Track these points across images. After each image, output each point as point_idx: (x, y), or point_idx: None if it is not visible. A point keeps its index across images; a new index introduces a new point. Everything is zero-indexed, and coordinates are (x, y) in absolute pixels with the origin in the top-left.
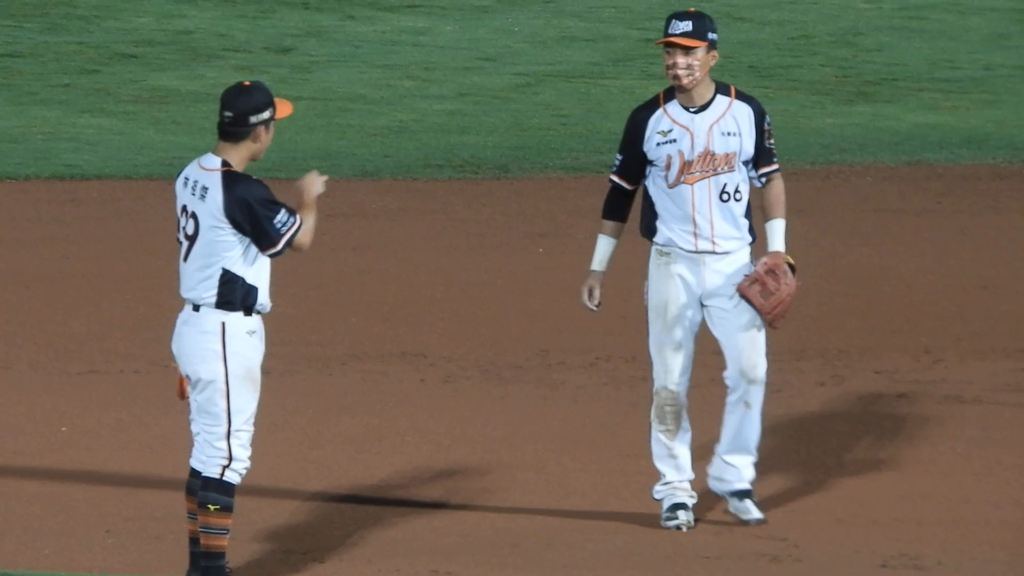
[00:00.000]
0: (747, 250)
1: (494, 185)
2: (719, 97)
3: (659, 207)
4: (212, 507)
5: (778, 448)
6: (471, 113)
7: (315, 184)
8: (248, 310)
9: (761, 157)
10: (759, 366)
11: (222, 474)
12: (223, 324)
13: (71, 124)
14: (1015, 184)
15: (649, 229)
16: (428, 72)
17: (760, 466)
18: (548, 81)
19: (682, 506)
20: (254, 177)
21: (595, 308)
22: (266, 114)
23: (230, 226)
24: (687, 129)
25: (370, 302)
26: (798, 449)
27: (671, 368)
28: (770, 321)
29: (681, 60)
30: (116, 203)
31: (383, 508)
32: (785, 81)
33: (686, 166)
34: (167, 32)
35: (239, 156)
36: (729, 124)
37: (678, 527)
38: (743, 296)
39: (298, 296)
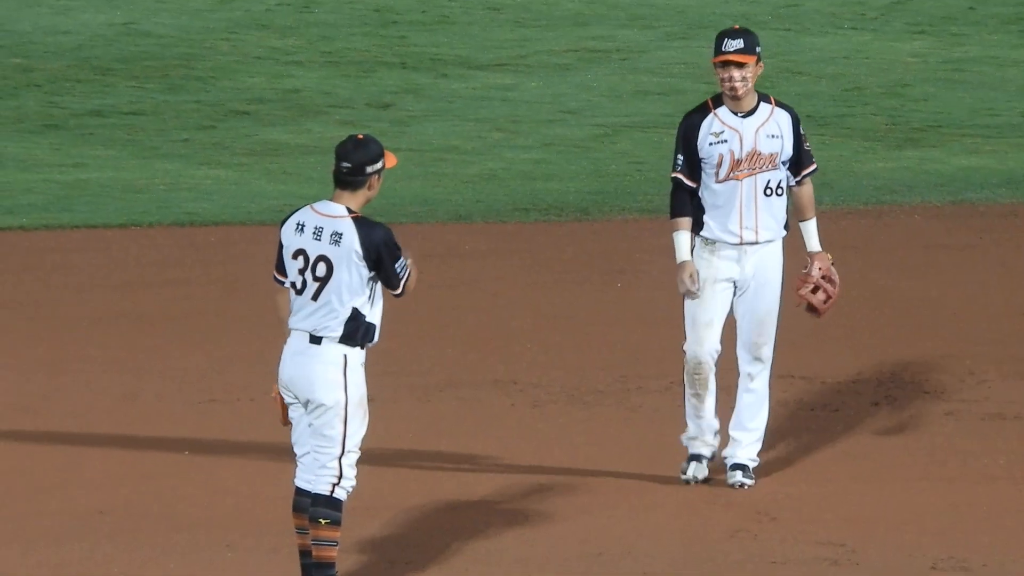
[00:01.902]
0: (781, 241)
1: (575, 227)
2: (762, 104)
3: (708, 204)
4: (323, 521)
5: (836, 461)
6: (554, 161)
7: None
8: (363, 345)
9: (803, 158)
10: (765, 347)
11: (332, 491)
12: (345, 356)
13: (190, 175)
14: None
15: (697, 223)
16: (515, 124)
17: (819, 477)
18: (624, 132)
19: (696, 458)
20: (380, 224)
21: (698, 292)
22: (379, 164)
23: (366, 267)
24: (736, 131)
25: (464, 334)
26: (854, 462)
27: (702, 340)
28: (813, 311)
29: (736, 74)
30: (232, 247)
31: (478, 521)
32: (840, 129)
33: (735, 164)
34: (277, 91)
35: (357, 202)
36: (773, 128)
37: (686, 481)
38: (805, 300)
39: (399, 331)
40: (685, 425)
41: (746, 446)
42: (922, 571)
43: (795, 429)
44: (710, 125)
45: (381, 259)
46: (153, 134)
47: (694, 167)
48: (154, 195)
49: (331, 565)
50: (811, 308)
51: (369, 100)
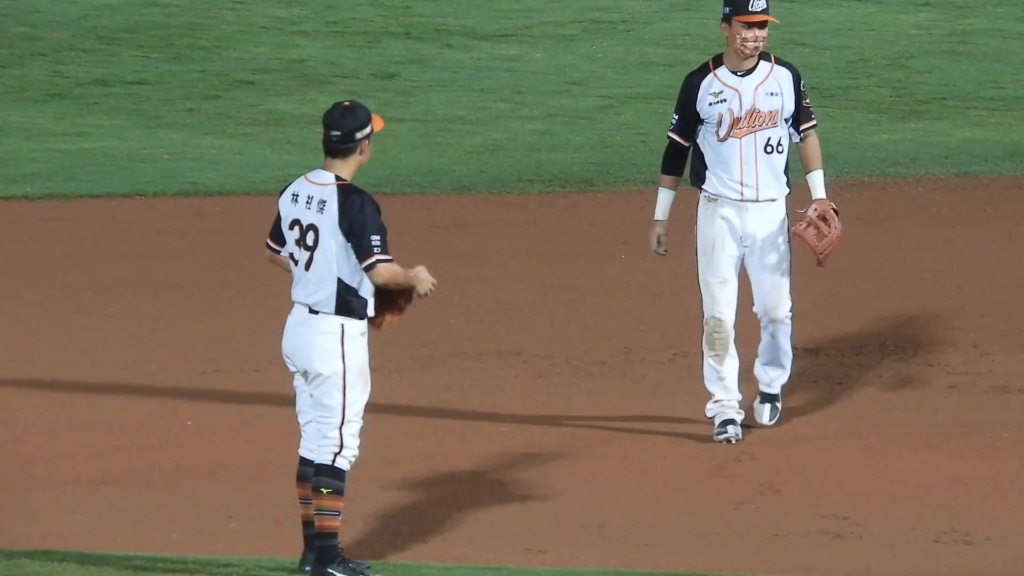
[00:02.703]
0: (784, 201)
1: (580, 198)
2: (762, 63)
3: (709, 160)
4: (325, 491)
5: (839, 434)
6: (559, 132)
7: (422, 281)
8: (362, 316)
9: (801, 115)
10: (781, 307)
11: (334, 461)
12: (342, 326)
13: (195, 145)
14: None
15: (699, 177)
16: (520, 95)
17: (822, 449)
18: (629, 103)
19: (731, 422)
20: (366, 194)
21: (664, 253)
22: (368, 129)
23: (343, 235)
24: (736, 90)
25: (469, 305)
26: (857, 435)
27: (717, 299)
28: (820, 260)
29: (760, 33)
30: (236, 217)
31: (481, 492)
32: (844, 101)
33: (735, 122)
34: (282, 60)
35: (348, 169)
36: (772, 85)
37: (727, 440)
38: (798, 237)
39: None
40: (708, 394)
41: (777, 378)
42: (925, 544)
43: (798, 401)
44: (709, 85)
45: (353, 225)
46: (158, 104)
47: (688, 127)
48: (159, 165)
49: (334, 535)
50: (813, 250)
51: (374, 70)
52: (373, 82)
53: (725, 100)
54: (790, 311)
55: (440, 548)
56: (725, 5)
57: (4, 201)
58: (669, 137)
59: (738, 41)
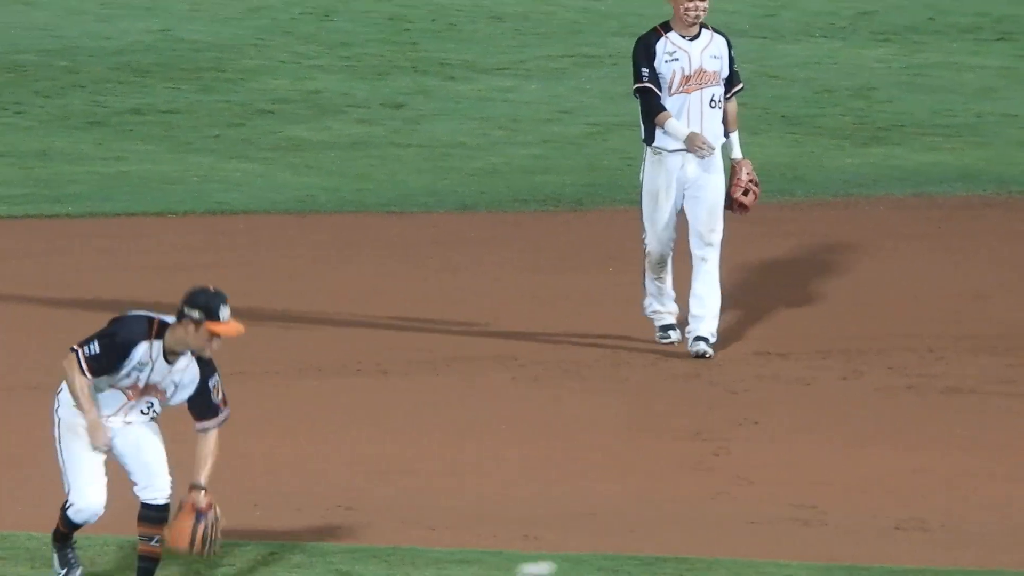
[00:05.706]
0: (720, 149)
1: (571, 216)
2: (703, 31)
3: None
4: (61, 524)
5: (807, 430)
6: (551, 157)
7: (92, 432)
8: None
9: (733, 78)
10: (715, 231)
11: (64, 508)
12: (58, 399)
13: (221, 168)
14: (1001, 212)
15: (649, 135)
16: (515, 123)
17: (792, 445)
18: (615, 130)
19: (671, 327)
20: (135, 330)
21: (711, 150)
22: (196, 314)
23: None
24: (686, 51)
25: (468, 314)
26: (823, 432)
27: (660, 237)
28: (746, 211)
29: (700, 4)
30: (259, 234)
31: (481, 484)
32: (811, 128)
33: (685, 79)
34: (299, 92)
35: (173, 331)
36: (714, 50)
37: (671, 343)
38: (739, 203)
39: (407, 309)
40: (647, 299)
41: (707, 321)
42: (886, 530)
43: (771, 401)
44: (664, 46)
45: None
46: (187, 131)
47: (656, 78)
48: (188, 186)
49: (68, 537)
50: (742, 207)
51: (383, 100)
52: (383, 111)
53: (677, 59)
54: (722, 237)
55: (444, 535)
56: None
57: (48, 219)
58: (645, 88)
59: (682, 10)
